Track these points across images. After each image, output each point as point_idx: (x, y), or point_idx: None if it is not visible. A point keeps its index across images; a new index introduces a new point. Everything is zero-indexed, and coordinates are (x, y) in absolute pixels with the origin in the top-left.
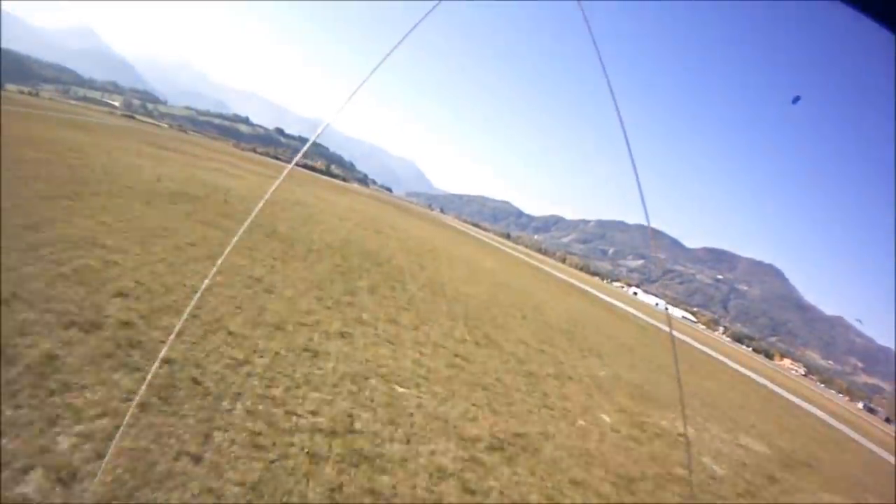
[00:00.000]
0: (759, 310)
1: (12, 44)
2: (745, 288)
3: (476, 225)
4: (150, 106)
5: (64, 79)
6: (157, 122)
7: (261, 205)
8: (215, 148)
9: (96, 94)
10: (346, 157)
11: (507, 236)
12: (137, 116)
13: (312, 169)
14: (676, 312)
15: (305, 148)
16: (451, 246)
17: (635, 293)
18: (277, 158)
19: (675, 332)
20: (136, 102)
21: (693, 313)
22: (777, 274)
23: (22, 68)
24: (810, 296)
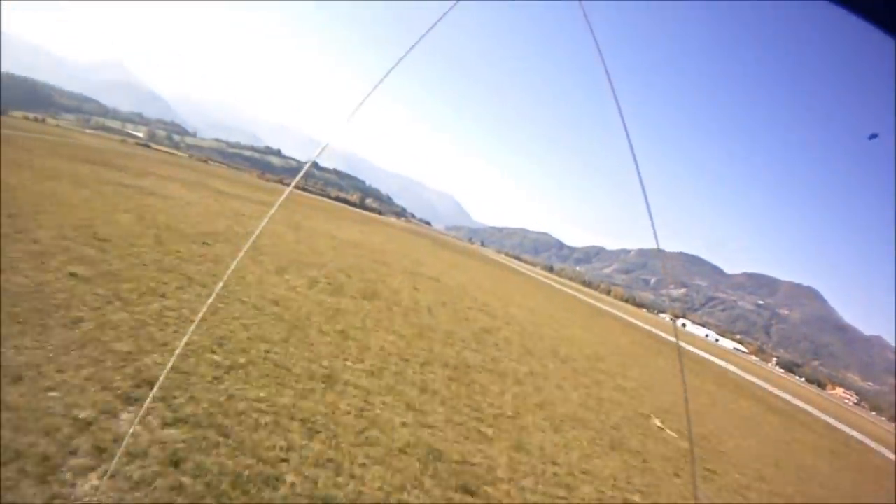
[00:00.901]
0: (801, 334)
1: (36, 73)
2: (786, 312)
3: (517, 258)
4: (176, 137)
5: (86, 108)
6: (172, 151)
7: (259, 230)
8: (218, 174)
9: (117, 125)
10: (384, 190)
11: (550, 269)
12: (157, 146)
13: (346, 202)
14: (727, 343)
15: (304, 170)
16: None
17: (684, 325)
18: (306, 190)
19: (735, 369)
20: (161, 133)
21: (740, 341)
22: (816, 296)
23: (39, 96)
24: (848, 316)
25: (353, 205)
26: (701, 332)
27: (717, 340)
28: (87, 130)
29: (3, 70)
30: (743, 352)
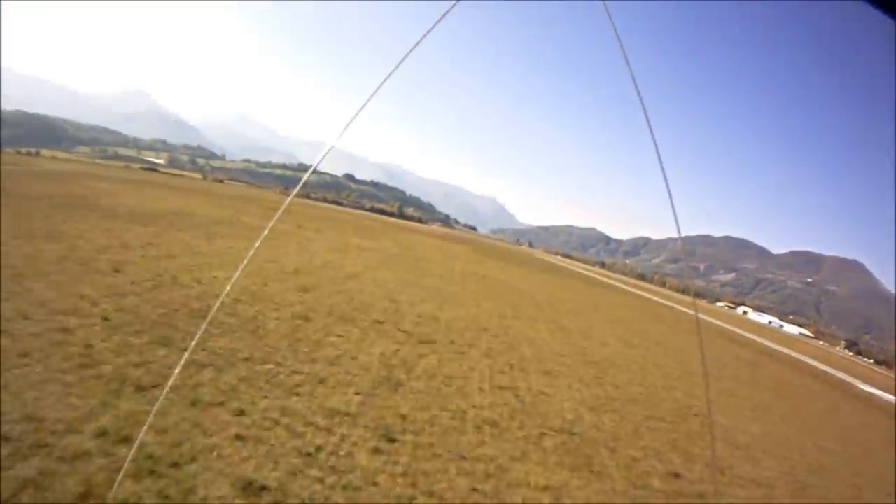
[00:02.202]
0: (850, 309)
1: (54, 109)
2: (834, 288)
3: (568, 256)
4: (200, 161)
5: (104, 140)
6: (184, 174)
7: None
8: (212, 191)
9: (132, 152)
10: (425, 199)
11: (602, 265)
12: (173, 170)
13: (382, 212)
14: (792, 329)
15: (306, 177)
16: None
17: (745, 312)
18: (338, 203)
19: (813, 362)
20: (184, 158)
21: (801, 325)
22: (861, 269)
23: (52, 131)
24: (891, 285)
25: (391, 214)
26: (763, 319)
27: (781, 327)
28: (97, 160)
29: (14, 108)
30: (809, 336)
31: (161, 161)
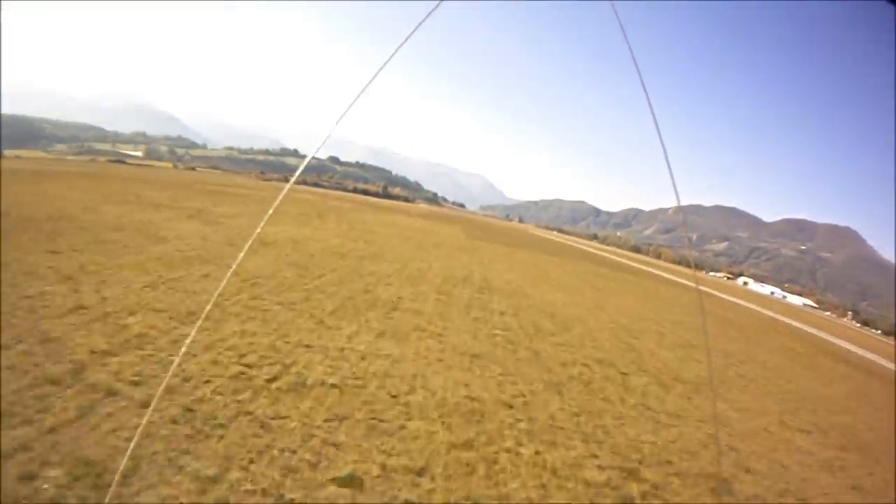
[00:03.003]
0: (846, 276)
1: (39, 111)
2: (828, 255)
3: (559, 230)
4: (180, 151)
5: (83, 136)
6: (153, 164)
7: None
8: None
9: (107, 146)
10: (412, 177)
11: (595, 237)
12: (151, 162)
13: (366, 192)
14: (796, 300)
15: (304, 165)
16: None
17: (745, 283)
18: (319, 185)
19: (833, 338)
20: (163, 149)
21: (802, 293)
22: (854, 236)
23: (30, 131)
24: (887, 253)
25: (375, 194)
26: (765, 289)
27: (784, 297)
28: (69, 157)
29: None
30: (813, 307)
31: (138, 153)
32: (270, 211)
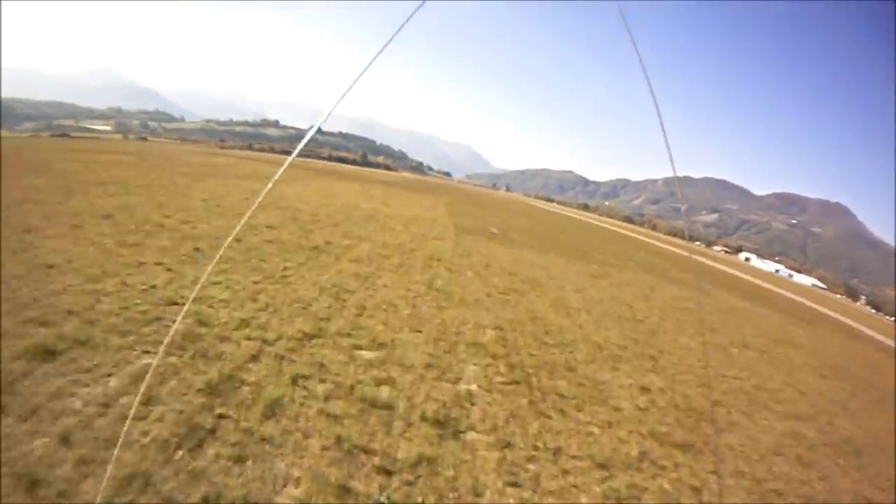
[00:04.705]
0: (837, 251)
1: (17, 92)
2: (819, 230)
3: (548, 199)
4: (152, 124)
5: (54, 114)
6: (98, 136)
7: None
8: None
9: (71, 122)
10: (396, 147)
11: (585, 207)
12: (111, 136)
13: (342, 160)
14: (804, 280)
15: (302, 144)
16: None
17: (747, 259)
18: (287, 153)
19: (853, 322)
20: (135, 123)
21: (814, 274)
22: (845, 211)
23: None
24: (877, 229)
25: (353, 163)
26: (771, 267)
27: (791, 276)
28: (24, 135)
29: None
30: (822, 288)
31: (107, 128)
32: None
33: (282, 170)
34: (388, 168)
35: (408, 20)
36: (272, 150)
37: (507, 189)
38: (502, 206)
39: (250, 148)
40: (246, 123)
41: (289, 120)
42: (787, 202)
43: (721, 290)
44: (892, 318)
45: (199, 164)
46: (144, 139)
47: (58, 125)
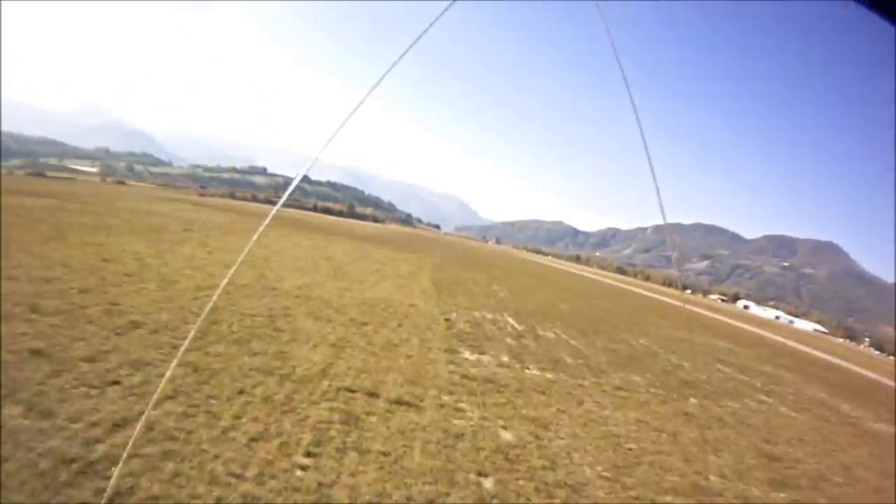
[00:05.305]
0: (830, 292)
1: (8, 125)
2: (811, 271)
3: (539, 251)
4: (138, 168)
5: (40, 151)
6: (74, 176)
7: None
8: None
9: (56, 162)
10: (386, 198)
11: (577, 259)
12: (93, 178)
13: (328, 212)
14: (806, 326)
15: (291, 188)
16: None
17: (746, 307)
18: (271, 202)
19: (855, 367)
20: (121, 165)
21: (799, 314)
22: (837, 251)
23: None
24: (869, 266)
25: (340, 214)
26: (770, 314)
27: (791, 322)
28: (17, 172)
29: None
30: (823, 332)
31: (94, 170)
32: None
33: (265, 224)
34: (375, 220)
35: (400, 58)
36: (254, 199)
37: (497, 241)
38: (500, 264)
39: (232, 196)
40: (233, 170)
41: (278, 167)
42: (778, 244)
43: (795, 374)
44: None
45: (134, 214)
46: (122, 182)
47: (44, 163)
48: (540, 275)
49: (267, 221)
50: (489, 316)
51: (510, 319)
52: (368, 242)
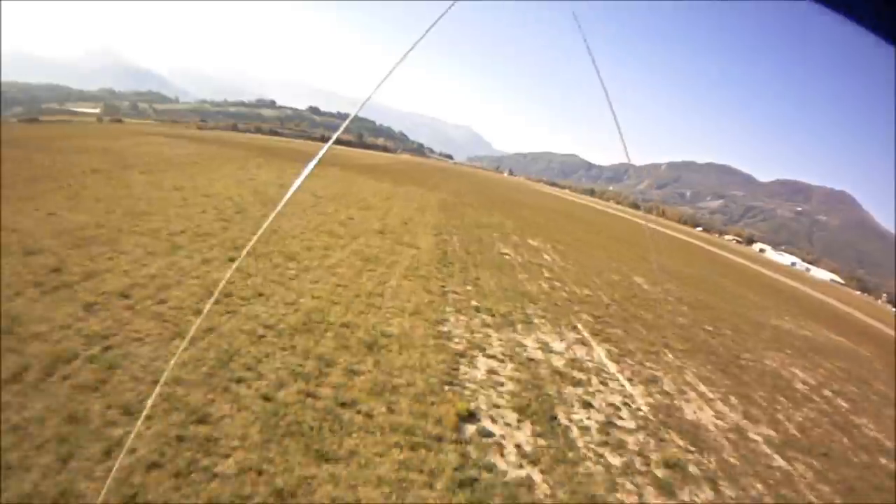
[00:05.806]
0: (843, 241)
1: (12, 76)
2: (825, 219)
3: (553, 183)
4: (143, 106)
5: (44, 97)
6: (70, 119)
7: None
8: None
9: (54, 105)
10: (397, 128)
11: (591, 192)
12: (96, 119)
13: (338, 142)
14: (823, 275)
15: (341, 130)
16: None
17: (762, 250)
18: (276, 133)
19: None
20: (125, 104)
21: (814, 261)
22: (850, 201)
23: None
24: (882, 220)
25: (347, 144)
26: (786, 259)
27: (808, 270)
28: (11, 120)
29: None
30: (839, 283)
31: (96, 111)
32: None
33: (311, 165)
34: (386, 150)
35: (439, 18)
36: (258, 131)
37: (511, 172)
38: (526, 202)
39: (234, 128)
40: (241, 104)
41: (288, 100)
42: (791, 189)
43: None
44: None
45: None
46: (119, 121)
47: (46, 108)
48: (585, 219)
49: (316, 160)
50: (552, 341)
51: (598, 348)
52: (364, 174)
